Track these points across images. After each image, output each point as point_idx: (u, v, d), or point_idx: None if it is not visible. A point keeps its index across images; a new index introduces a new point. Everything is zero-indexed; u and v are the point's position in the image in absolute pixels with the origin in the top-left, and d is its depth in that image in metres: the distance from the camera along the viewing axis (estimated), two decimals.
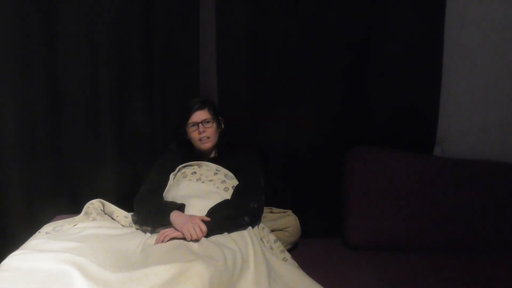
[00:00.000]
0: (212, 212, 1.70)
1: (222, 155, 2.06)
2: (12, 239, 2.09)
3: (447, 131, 2.22)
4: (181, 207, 1.72)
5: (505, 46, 2.16)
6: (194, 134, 1.99)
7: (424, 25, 2.06)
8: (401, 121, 2.15)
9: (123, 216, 1.92)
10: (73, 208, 2.13)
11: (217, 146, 2.05)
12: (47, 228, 1.85)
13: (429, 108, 2.14)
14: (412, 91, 2.13)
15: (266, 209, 1.98)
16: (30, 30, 2.06)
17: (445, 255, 1.94)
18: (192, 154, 2.05)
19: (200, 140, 1.98)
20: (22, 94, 2.10)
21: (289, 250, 1.88)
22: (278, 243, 1.77)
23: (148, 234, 1.69)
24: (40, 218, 2.07)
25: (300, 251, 1.95)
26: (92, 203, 1.98)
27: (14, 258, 1.42)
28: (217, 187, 1.85)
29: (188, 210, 1.72)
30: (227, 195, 1.83)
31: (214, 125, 2.00)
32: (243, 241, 1.62)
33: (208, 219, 1.66)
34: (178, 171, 1.98)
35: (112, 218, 1.93)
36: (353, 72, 2.13)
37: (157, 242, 1.58)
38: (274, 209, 2.06)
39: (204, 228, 1.60)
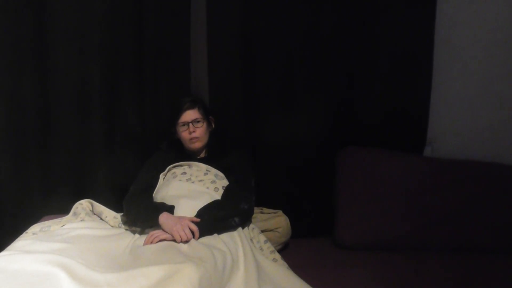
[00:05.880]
0: (201, 212, 1.69)
1: (213, 154, 2.04)
2: None
3: (438, 132, 2.23)
4: (170, 209, 1.71)
5: (495, 47, 2.17)
6: (184, 134, 1.97)
7: (414, 26, 2.07)
8: (392, 122, 2.16)
9: (112, 216, 1.90)
10: (62, 208, 2.10)
11: (207, 145, 2.04)
12: (34, 228, 1.82)
13: (419, 109, 2.15)
14: (403, 92, 2.14)
15: (256, 209, 1.97)
16: (21, 26, 2.04)
17: (435, 255, 1.95)
18: (183, 153, 2.04)
19: (190, 140, 1.96)
20: (12, 92, 2.07)
21: (280, 251, 1.88)
22: (268, 244, 1.77)
23: (137, 235, 1.68)
24: (28, 218, 2.04)
25: (290, 252, 1.95)
26: (81, 203, 1.97)
27: (0, 260, 1.40)
28: (207, 187, 1.84)
29: (178, 211, 1.71)
30: (217, 195, 1.82)
31: (205, 124, 1.99)
32: (233, 242, 1.61)
33: (197, 220, 1.65)
34: (168, 171, 1.97)
35: (101, 219, 1.92)
36: (344, 72, 2.13)
37: (145, 243, 1.56)
38: (265, 209, 2.05)
39: (194, 227, 1.59)
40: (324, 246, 2.05)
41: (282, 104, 2.16)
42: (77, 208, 1.94)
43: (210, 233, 1.64)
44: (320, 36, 2.10)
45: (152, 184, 1.92)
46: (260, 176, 2.04)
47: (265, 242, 1.77)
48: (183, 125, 1.97)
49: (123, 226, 1.85)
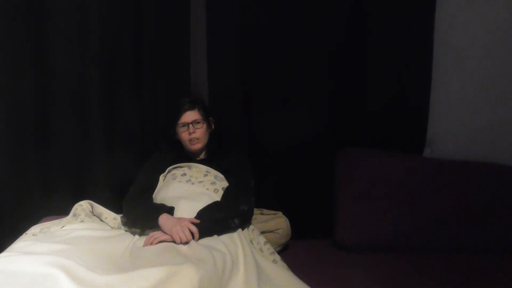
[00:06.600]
0: (201, 214, 1.69)
1: (212, 156, 2.04)
2: None
3: (437, 132, 2.22)
4: (170, 210, 1.71)
5: (495, 48, 2.16)
6: (184, 135, 1.97)
7: (414, 26, 2.07)
8: (391, 122, 2.16)
9: (112, 217, 1.90)
10: (61, 208, 2.09)
11: (207, 146, 2.04)
12: (34, 230, 1.82)
13: (419, 109, 2.15)
14: (402, 92, 2.13)
15: (256, 211, 1.97)
16: (19, 26, 2.03)
17: (435, 256, 1.95)
18: (182, 154, 2.03)
19: (190, 141, 1.96)
20: (11, 92, 2.07)
21: (279, 252, 1.87)
22: (268, 245, 1.76)
23: (137, 236, 1.68)
24: (27, 218, 2.04)
25: (290, 253, 1.95)
26: (81, 205, 1.96)
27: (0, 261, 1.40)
28: (207, 189, 1.84)
29: (178, 212, 1.71)
30: (217, 197, 1.82)
31: (204, 125, 1.98)
32: (232, 243, 1.61)
33: (197, 221, 1.64)
34: (168, 172, 1.97)
35: (101, 220, 1.92)
36: (344, 73, 2.13)
37: (145, 244, 1.57)
38: (265, 211, 2.05)
39: (194, 229, 1.59)
40: (324, 247, 2.05)
41: (282, 105, 2.16)
42: (76, 209, 1.94)
43: (209, 234, 1.64)
44: (319, 36, 2.10)
45: (151, 185, 1.92)
46: (259, 177, 2.03)
47: (265, 243, 1.77)
48: (183, 126, 1.96)
49: (123, 227, 1.85)
